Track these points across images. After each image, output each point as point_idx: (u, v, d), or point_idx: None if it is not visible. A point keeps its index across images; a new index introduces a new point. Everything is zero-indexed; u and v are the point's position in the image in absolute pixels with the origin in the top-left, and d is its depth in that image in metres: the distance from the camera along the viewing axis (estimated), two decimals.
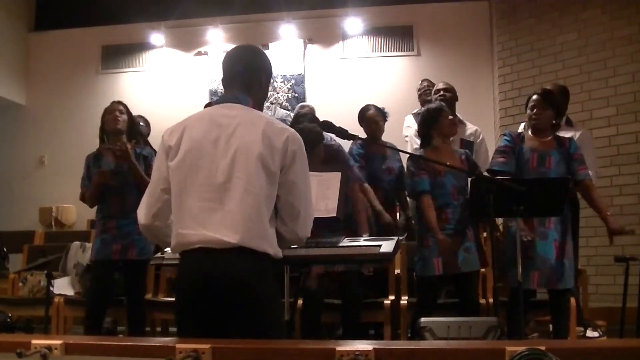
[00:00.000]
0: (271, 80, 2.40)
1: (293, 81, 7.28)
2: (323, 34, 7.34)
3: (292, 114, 5.87)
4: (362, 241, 2.44)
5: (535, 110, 3.76)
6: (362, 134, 4.44)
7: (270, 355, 1.53)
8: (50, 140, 7.51)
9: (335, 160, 3.93)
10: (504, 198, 3.24)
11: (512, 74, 6.58)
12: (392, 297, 4.24)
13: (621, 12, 5.91)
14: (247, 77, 2.18)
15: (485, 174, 3.85)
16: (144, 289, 4.30)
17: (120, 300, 4.23)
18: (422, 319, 3.21)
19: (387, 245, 2.32)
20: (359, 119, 4.53)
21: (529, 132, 3.85)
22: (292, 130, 2.11)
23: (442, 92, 4.86)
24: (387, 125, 4.73)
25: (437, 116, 3.91)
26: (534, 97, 3.80)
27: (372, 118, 4.47)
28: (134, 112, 5.27)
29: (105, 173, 3.99)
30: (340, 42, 7.33)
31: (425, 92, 5.42)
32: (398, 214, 4.75)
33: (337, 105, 6.60)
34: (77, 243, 5.10)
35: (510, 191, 3.20)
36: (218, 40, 7.34)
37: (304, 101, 6.99)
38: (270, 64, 2.26)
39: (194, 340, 1.59)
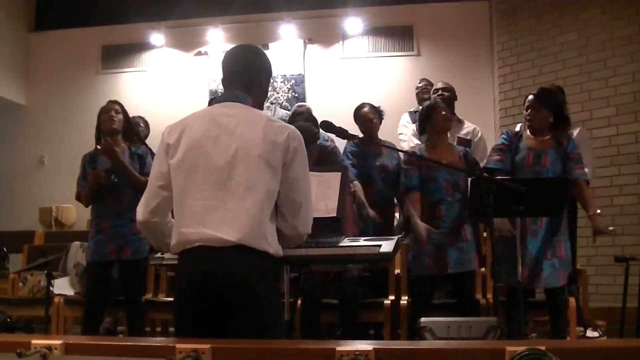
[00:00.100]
0: (271, 80, 2.41)
1: (293, 81, 7.28)
2: (323, 34, 7.34)
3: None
4: (362, 241, 2.44)
5: (530, 110, 3.79)
6: (359, 133, 4.44)
7: (270, 355, 1.53)
8: (50, 140, 7.51)
9: (329, 161, 3.93)
10: (504, 198, 3.25)
11: (512, 74, 6.58)
12: (392, 297, 4.24)
13: (621, 12, 5.91)
14: (246, 77, 2.18)
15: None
16: (141, 288, 4.30)
17: (119, 301, 4.24)
18: (422, 319, 3.21)
19: (387, 245, 2.32)
20: (354, 117, 4.55)
21: (527, 132, 3.86)
22: (292, 127, 2.12)
23: (440, 92, 4.88)
24: (387, 125, 4.72)
25: (430, 113, 3.95)
26: (529, 97, 3.86)
27: (366, 116, 4.48)
28: (134, 112, 5.27)
29: (99, 174, 3.99)
30: (340, 42, 7.33)
31: (422, 91, 5.43)
32: (398, 214, 4.75)
33: (337, 105, 6.59)
34: (77, 243, 5.10)
35: (510, 191, 3.20)
36: (218, 40, 7.34)
37: (304, 101, 6.99)
38: (270, 64, 2.27)
39: (194, 340, 1.59)
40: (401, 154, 4.32)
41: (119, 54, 7.66)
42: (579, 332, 4.27)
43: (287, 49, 7.26)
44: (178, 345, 1.53)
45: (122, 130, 4.13)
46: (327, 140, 4.48)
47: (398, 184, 4.14)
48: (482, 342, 2.73)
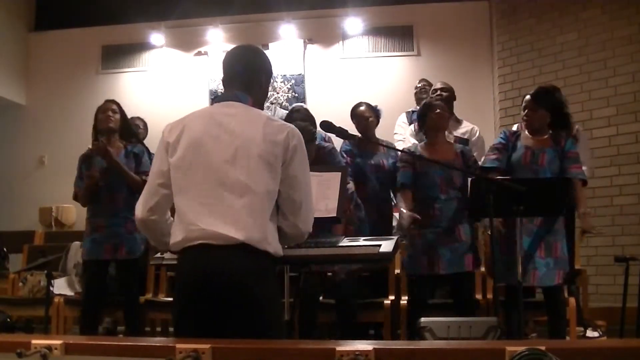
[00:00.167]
0: (271, 80, 2.41)
1: (293, 81, 7.28)
2: (323, 34, 7.34)
3: None
4: (362, 241, 2.45)
5: (527, 111, 3.79)
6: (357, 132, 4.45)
7: (270, 355, 1.53)
8: (50, 140, 7.50)
9: (326, 161, 3.94)
10: (504, 198, 3.24)
11: (512, 74, 6.58)
12: (392, 297, 4.24)
13: (621, 12, 5.91)
14: (246, 77, 2.19)
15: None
16: (138, 287, 4.29)
17: (118, 301, 4.24)
18: (422, 319, 3.21)
19: (386, 245, 2.32)
20: (351, 116, 4.55)
21: (526, 131, 3.87)
22: (292, 126, 2.12)
23: (439, 92, 4.89)
24: (387, 124, 4.72)
25: (425, 112, 3.98)
26: (526, 97, 3.88)
27: (362, 114, 4.49)
28: (135, 113, 5.28)
29: (94, 176, 3.99)
30: (340, 42, 7.33)
31: (421, 91, 5.45)
32: (397, 214, 4.75)
33: (337, 105, 6.57)
34: (77, 243, 5.10)
35: (510, 191, 3.20)
36: (218, 40, 7.33)
37: (304, 101, 7.00)
38: (270, 64, 2.27)
39: (194, 340, 1.58)
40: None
41: (119, 54, 7.66)
42: (579, 332, 4.27)
43: (287, 49, 7.26)
44: (178, 345, 1.53)
45: (119, 130, 4.13)
46: (325, 140, 4.48)
47: (394, 183, 4.15)
48: (482, 342, 2.73)
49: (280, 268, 2.47)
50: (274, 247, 2.02)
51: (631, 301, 4.19)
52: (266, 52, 2.74)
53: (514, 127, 4.59)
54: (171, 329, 4.79)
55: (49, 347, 1.56)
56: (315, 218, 2.18)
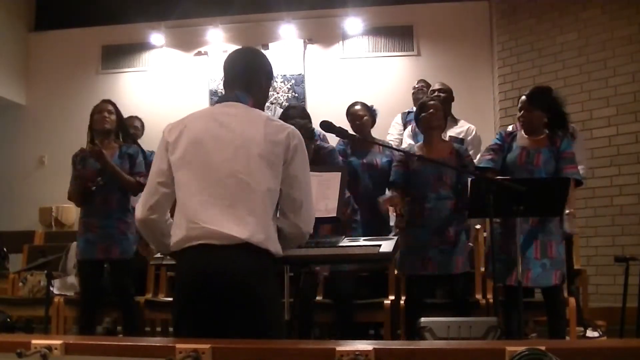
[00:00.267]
0: (272, 83, 2.41)
1: (293, 81, 7.28)
2: (323, 34, 7.34)
3: None
4: (362, 241, 2.45)
5: (522, 112, 3.79)
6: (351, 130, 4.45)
7: (270, 355, 1.53)
8: (50, 140, 7.50)
9: (326, 162, 3.94)
10: (504, 198, 3.24)
11: (512, 74, 6.58)
12: (392, 297, 4.24)
13: (621, 12, 5.91)
14: (246, 77, 2.20)
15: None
16: (133, 287, 4.27)
17: (116, 301, 4.22)
18: (422, 319, 3.20)
19: (386, 245, 2.32)
20: (346, 114, 4.56)
21: (522, 132, 3.87)
22: (292, 126, 2.13)
23: (437, 93, 4.90)
24: (386, 124, 4.71)
25: (419, 112, 4.00)
26: (522, 98, 3.86)
27: (356, 113, 4.50)
28: (134, 112, 5.27)
29: (82, 177, 3.99)
30: (340, 42, 7.33)
31: (418, 92, 5.46)
32: (393, 214, 4.74)
33: (337, 105, 6.56)
34: (77, 243, 5.09)
35: (510, 191, 3.20)
36: (218, 40, 7.33)
37: (304, 101, 7.02)
38: (270, 66, 2.28)
39: (194, 340, 1.59)
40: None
41: (119, 54, 7.66)
42: (579, 332, 4.27)
43: (287, 49, 7.26)
44: (178, 345, 1.53)
45: (114, 131, 4.13)
46: (320, 139, 4.48)
47: (387, 182, 4.16)
48: (482, 342, 2.73)
49: (280, 268, 2.48)
50: (275, 247, 2.03)
51: (631, 301, 4.19)
52: (266, 52, 2.75)
53: (509, 128, 4.59)
54: (171, 329, 4.81)
55: (49, 347, 1.56)
56: (315, 218, 2.18)
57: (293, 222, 2.09)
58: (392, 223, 4.59)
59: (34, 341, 1.59)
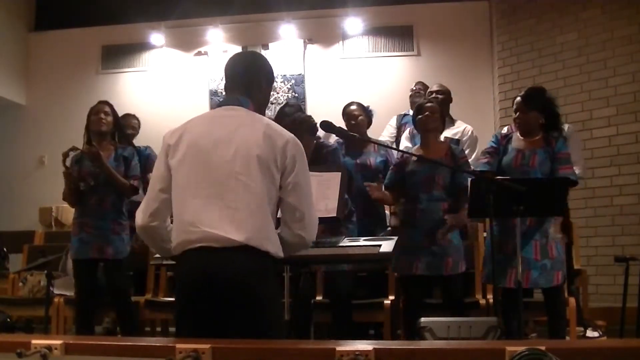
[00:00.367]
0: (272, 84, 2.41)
1: (293, 81, 7.28)
2: (323, 34, 7.34)
3: None
4: (362, 241, 2.45)
5: (517, 113, 3.79)
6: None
7: (270, 355, 1.53)
8: (50, 140, 7.48)
9: (328, 160, 3.93)
10: (504, 198, 3.24)
11: (512, 74, 6.58)
12: (392, 297, 4.24)
13: (621, 12, 5.91)
14: (247, 79, 2.20)
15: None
16: (127, 287, 4.27)
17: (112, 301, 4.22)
18: (422, 319, 3.20)
19: (386, 245, 2.33)
20: (342, 114, 4.57)
21: (517, 133, 3.86)
22: (292, 135, 2.12)
23: (435, 94, 4.91)
24: (385, 124, 4.69)
25: (417, 114, 4.01)
26: (517, 99, 3.84)
27: (351, 113, 4.50)
28: (135, 113, 5.27)
29: (70, 175, 3.98)
30: (340, 42, 7.33)
31: (415, 94, 5.46)
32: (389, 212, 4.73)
33: (337, 105, 6.56)
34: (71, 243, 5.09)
35: (510, 191, 3.20)
36: (218, 40, 7.33)
37: (304, 101, 7.01)
38: (271, 68, 2.28)
39: (194, 340, 1.59)
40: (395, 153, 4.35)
41: (119, 54, 7.65)
42: (579, 332, 4.27)
43: (287, 49, 7.26)
44: (178, 345, 1.53)
45: (110, 132, 4.13)
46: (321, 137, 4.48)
47: (381, 182, 4.15)
48: (482, 342, 2.73)
49: (280, 268, 2.48)
50: (275, 247, 2.03)
51: (631, 301, 4.19)
52: (266, 52, 2.75)
53: (504, 130, 4.56)
54: (171, 329, 4.81)
55: (49, 347, 1.56)
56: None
57: (296, 233, 2.09)
58: (388, 222, 4.61)
59: (34, 341, 1.59)
